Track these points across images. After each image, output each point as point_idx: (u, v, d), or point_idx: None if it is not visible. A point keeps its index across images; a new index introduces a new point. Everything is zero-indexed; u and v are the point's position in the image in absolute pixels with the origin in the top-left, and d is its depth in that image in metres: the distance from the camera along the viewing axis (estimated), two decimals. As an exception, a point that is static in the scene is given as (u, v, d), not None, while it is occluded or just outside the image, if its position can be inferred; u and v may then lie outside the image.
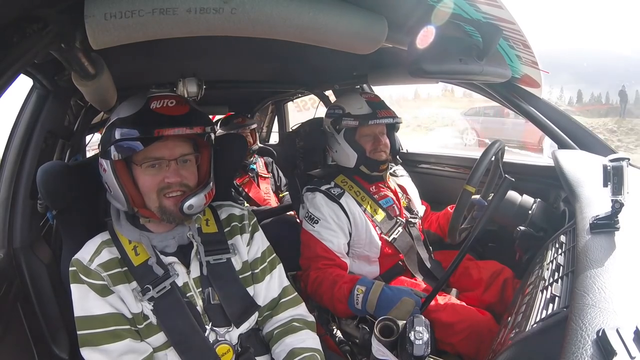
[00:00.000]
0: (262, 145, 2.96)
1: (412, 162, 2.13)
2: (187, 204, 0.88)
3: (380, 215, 1.49)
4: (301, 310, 1.07)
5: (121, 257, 0.92)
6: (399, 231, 1.50)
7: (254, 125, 2.74)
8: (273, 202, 2.68)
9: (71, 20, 0.71)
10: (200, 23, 0.76)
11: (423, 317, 0.89)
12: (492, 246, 1.70)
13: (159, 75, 1.77)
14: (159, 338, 0.90)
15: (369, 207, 1.48)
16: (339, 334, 1.34)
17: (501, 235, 1.56)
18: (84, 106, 1.60)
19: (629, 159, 0.73)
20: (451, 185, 1.95)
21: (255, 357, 0.98)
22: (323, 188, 1.48)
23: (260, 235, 1.09)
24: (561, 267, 0.80)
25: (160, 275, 0.91)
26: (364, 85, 2.02)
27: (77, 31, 0.74)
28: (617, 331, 0.46)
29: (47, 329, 1.17)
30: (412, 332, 0.86)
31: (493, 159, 1.26)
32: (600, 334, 0.47)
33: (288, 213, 2.29)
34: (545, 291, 0.76)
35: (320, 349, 1.01)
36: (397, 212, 1.54)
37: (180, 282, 0.93)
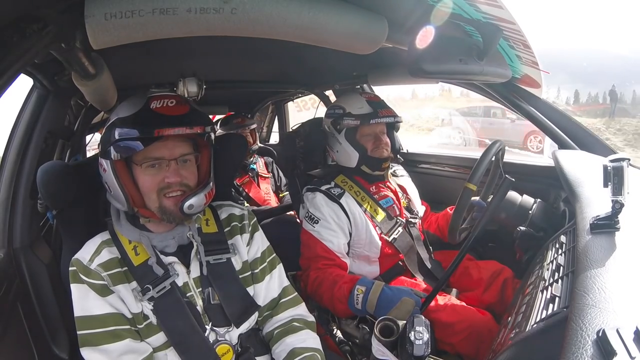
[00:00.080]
0: (262, 145, 2.96)
1: (412, 162, 2.13)
2: (187, 203, 0.88)
3: (381, 215, 1.49)
4: (301, 310, 1.07)
5: (121, 257, 0.92)
6: (399, 231, 1.50)
7: (254, 125, 2.74)
8: (273, 202, 2.68)
9: (71, 20, 0.71)
10: (200, 23, 0.76)
11: (423, 317, 0.89)
12: (492, 246, 1.70)
13: (159, 75, 1.77)
14: (159, 338, 0.90)
15: (369, 207, 1.48)
16: (339, 334, 1.34)
17: (501, 235, 1.56)
18: (84, 106, 1.60)
19: (629, 159, 0.73)
20: (451, 185, 1.95)
21: (255, 357, 0.98)
22: (323, 188, 1.48)
23: (260, 235, 1.09)
24: (561, 267, 0.80)
25: (160, 275, 0.91)
26: (364, 85, 2.02)
27: (77, 31, 0.74)
28: (617, 331, 0.46)
29: (47, 328, 1.17)
30: (412, 332, 0.86)
31: (493, 159, 1.26)
32: (600, 334, 0.47)
33: (288, 213, 2.29)
34: (545, 291, 0.76)
35: (321, 349, 1.01)
36: (397, 212, 1.55)
37: (180, 282, 0.93)
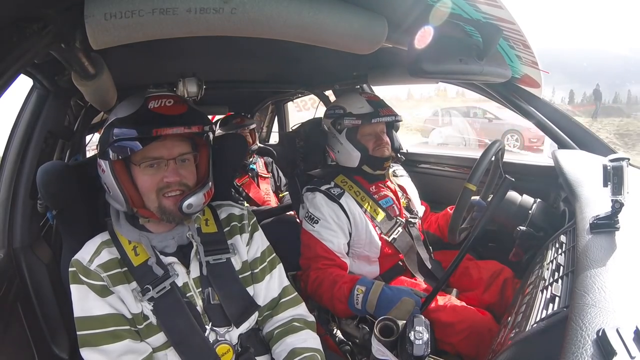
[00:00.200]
0: (262, 145, 2.95)
1: (412, 162, 2.13)
2: (186, 203, 0.88)
3: (380, 215, 1.49)
4: (301, 310, 1.07)
5: (121, 258, 0.92)
6: (398, 231, 1.50)
7: (253, 125, 2.73)
8: (273, 202, 2.68)
9: (71, 20, 0.71)
10: (200, 23, 0.76)
11: (423, 317, 0.89)
12: (492, 246, 1.70)
13: (159, 75, 1.77)
14: (159, 338, 0.90)
15: (368, 207, 1.48)
16: (339, 334, 1.34)
17: (501, 235, 1.56)
18: (84, 106, 1.60)
19: (629, 159, 0.73)
20: (451, 185, 1.95)
21: (256, 357, 0.98)
22: (323, 188, 1.48)
23: (259, 235, 1.09)
24: (561, 267, 0.80)
25: (160, 275, 0.91)
26: (364, 85, 2.02)
27: (77, 31, 0.74)
28: (617, 331, 0.46)
29: (47, 329, 1.17)
30: (412, 332, 0.86)
31: (493, 159, 1.26)
32: (600, 334, 0.47)
33: (288, 213, 2.29)
34: (545, 291, 0.76)
35: (321, 349, 1.01)
36: (397, 212, 1.55)
37: (180, 282, 0.93)
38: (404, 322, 0.94)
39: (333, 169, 1.60)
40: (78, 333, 0.87)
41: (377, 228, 1.47)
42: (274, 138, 3.80)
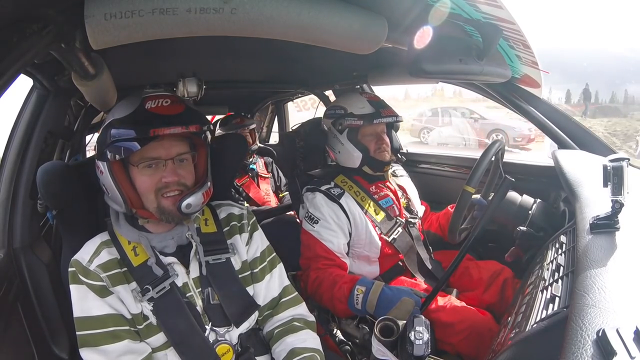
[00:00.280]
0: (262, 145, 2.96)
1: (412, 162, 2.13)
2: (185, 203, 0.88)
3: (380, 215, 1.49)
4: (302, 310, 1.07)
5: (120, 258, 0.92)
6: (398, 231, 1.50)
7: (253, 125, 2.73)
8: (273, 202, 2.68)
9: (71, 20, 0.71)
10: (200, 23, 0.76)
11: (423, 317, 0.89)
12: (492, 246, 1.70)
13: (159, 75, 1.77)
14: (159, 338, 0.90)
15: (368, 207, 1.48)
16: (339, 334, 1.34)
17: (501, 235, 1.56)
18: (84, 106, 1.60)
19: (628, 159, 0.73)
20: (451, 185, 1.95)
21: (256, 357, 0.98)
22: (323, 188, 1.48)
23: (259, 235, 1.09)
24: (561, 267, 0.80)
25: (160, 275, 0.91)
26: (364, 85, 2.02)
27: (77, 31, 0.74)
28: (617, 331, 0.46)
29: (47, 329, 1.17)
30: (412, 332, 0.86)
31: (493, 159, 1.26)
32: (600, 334, 0.47)
33: (288, 213, 2.29)
34: (545, 291, 0.76)
35: (321, 349, 1.01)
36: (397, 212, 1.55)
37: (179, 283, 0.93)
38: (404, 322, 0.94)
39: (333, 169, 1.60)
40: (77, 333, 0.87)
41: (377, 228, 1.47)
42: (274, 138, 3.80)
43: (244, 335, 0.98)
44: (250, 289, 1.01)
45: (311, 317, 1.08)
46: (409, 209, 1.60)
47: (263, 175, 2.76)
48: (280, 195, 2.78)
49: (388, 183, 1.60)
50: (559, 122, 1.42)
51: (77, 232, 1.03)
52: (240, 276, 1.00)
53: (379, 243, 1.46)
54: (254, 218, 1.10)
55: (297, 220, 1.77)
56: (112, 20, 0.70)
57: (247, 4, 0.77)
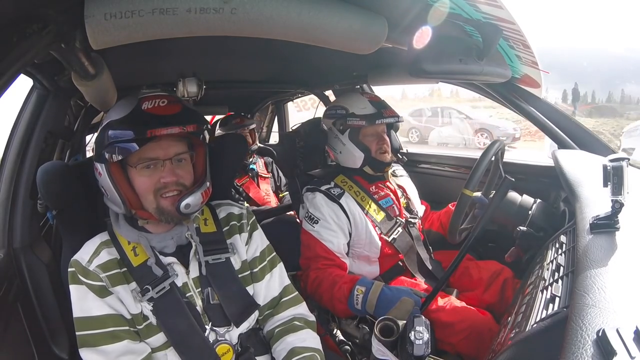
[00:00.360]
0: (262, 145, 2.95)
1: (412, 162, 2.13)
2: (183, 203, 0.88)
3: (380, 215, 1.49)
4: (302, 309, 1.07)
5: (120, 258, 0.92)
6: (398, 231, 1.50)
7: (253, 125, 2.73)
8: (273, 203, 2.68)
9: (71, 20, 0.71)
10: (200, 23, 0.76)
11: (423, 317, 0.89)
12: (492, 246, 1.70)
13: (159, 75, 1.77)
14: (159, 338, 0.90)
15: (368, 207, 1.48)
16: (339, 334, 1.34)
17: (501, 235, 1.56)
18: (84, 106, 1.60)
19: (628, 159, 0.73)
20: (451, 185, 1.95)
21: (256, 357, 0.98)
22: (323, 188, 1.48)
23: (259, 234, 1.09)
24: (561, 267, 0.80)
25: (160, 275, 0.91)
26: (364, 85, 2.02)
27: (77, 31, 0.74)
28: (617, 331, 0.46)
29: (47, 329, 1.17)
30: (412, 332, 0.86)
31: (493, 159, 1.26)
32: (600, 334, 0.47)
33: (288, 213, 2.29)
34: (545, 291, 0.76)
35: (321, 349, 1.01)
36: (397, 212, 1.55)
37: (179, 283, 0.93)
38: (404, 322, 0.94)
39: (333, 169, 1.60)
40: (77, 333, 0.87)
41: (377, 228, 1.47)
42: (274, 138, 3.80)
43: (244, 335, 0.98)
44: (250, 289, 1.01)
45: (311, 317, 1.08)
46: (408, 209, 1.60)
47: (263, 175, 2.76)
48: (280, 195, 2.78)
49: (388, 183, 1.60)
50: (558, 122, 1.42)
51: (77, 232, 1.03)
52: (240, 276, 1.00)
53: (379, 243, 1.46)
54: (254, 217, 1.10)
55: (297, 220, 1.77)
56: (112, 20, 0.70)
57: (247, 4, 0.77)
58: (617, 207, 0.71)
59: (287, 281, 1.09)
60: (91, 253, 0.91)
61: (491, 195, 1.32)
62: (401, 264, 1.50)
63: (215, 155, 1.03)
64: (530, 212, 1.28)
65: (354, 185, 1.51)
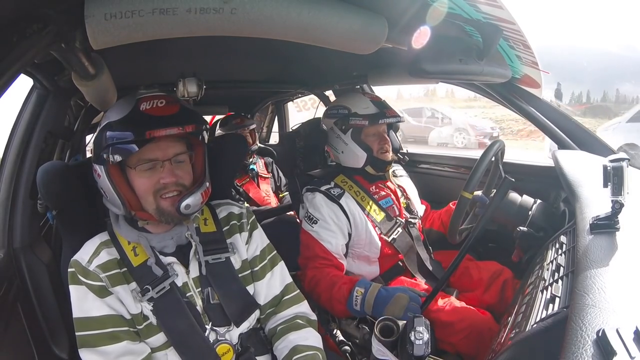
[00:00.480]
0: (262, 146, 2.95)
1: (412, 162, 2.13)
2: (184, 203, 0.88)
3: (380, 215, 1.49)
4: (304, 307, 1.07)
5: (120, 258, 0.92)
6: (398, 231, 1.50)
7: (253, 126, 2.73)
8: (273, 203, 2.68)
9: (71, 20, 0.71)
10: (200, 23, 0.76)
11: (423, 317, 0.89)
12: (492, 246, 1.70)
13: (159, 75, 1.77)
14: (159, 338, 0.90)
15: (368, 207, 1.49)
16: (339, 334, 1.34)
17: (501, 235, 1.56)
18: (84, 106, 1.60)
19: (628, 159, 0.73)
20: (451, 185, 1.95)
21: (256, 357, 0.98)
22: (323, 188, 1.48)
23: (259, 233, 1.09)
24: (561, 268, 0.80)
25: (160, 275, 0.91)
26: (364, 85, 2.02)
27: (77, 31, 0.74)
28: (617, 331, 0.46)
29: (47, 329, 1.17)
30: (412, 332, 0.86)
31: (493, 159, 1.26)
32: (600, 334, 0.47)
33: (288, 213, 2.29)
34: (545, 291, 0.76)
35: (322, 348, 1.01)
36: (397, 213, 1.55)
37: (179, 282, 0.93)
38: (404, 322, 0.94)
39: (333, 169, 1.60)
40: (77, 334, 0.87)
41: (377, 228, 1.48)
42: (274, 138, 3.80)
43: (244, 335, 0.98)
44: (250, 288, 1.01)
45: (313, 316, 1.08)
46: (408, 209, 1.60)
47: (263, 175, 2.76)
48: (280, 195, 2.78)
49: (388, 183, 1.60)
50: (558, 122, 1.42)
51: (77, 232, 1.03)
52: (240, 275, 1.00)
53: (379, 243, 1.46)
54: (253, 216, 1.10)
55: (297, 220, 1.77)
56: (112, 20, 0.70)
57: (247, 4, 0.77)
58: (617, 207, 0.71)
59: (289, 279, 1.09)
60: (91, 253, 0.91)
61: (491, 195, 1.32)
62: (401, 264, 1.50)
63: (215, 155, 1.03)
64: (530, 212, 1.28)
65: (354, 185, 1.51)
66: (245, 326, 0.98)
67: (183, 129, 0.85)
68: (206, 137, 0.95)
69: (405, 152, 2.16)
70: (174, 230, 0.96)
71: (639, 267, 0.63)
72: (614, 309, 0.52)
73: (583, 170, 1.09)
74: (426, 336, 0.86)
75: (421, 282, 1.44)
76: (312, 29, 0.88)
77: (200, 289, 0.95)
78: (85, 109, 1.62)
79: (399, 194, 1.61)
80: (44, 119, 1.25)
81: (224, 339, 0.94)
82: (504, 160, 1.33)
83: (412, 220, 1.56)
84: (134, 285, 0.90)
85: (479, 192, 1.35)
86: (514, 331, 0.78)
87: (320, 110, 2.34)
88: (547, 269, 0.87)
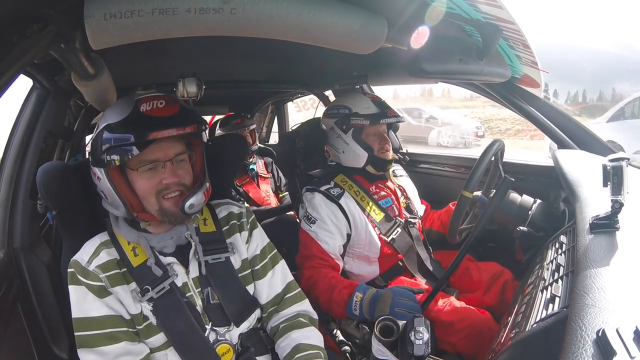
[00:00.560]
0: (262, 146, 2.95)
1: (412, 162, 2.13)
2: (188, 203, 0.88)
3: (379, 215, 1.49)
4: (306, 306, 1.07)
5: (120, 258, 0.92)
6: (397, 231, 1.50)
7: (253, 126, 2.73)
8: (273, 203, 2.67)
9: (71, 20, 0.70)
10: (200, 23, 0.76)
11: (423, 317, 0.90)
12: (492, 246, 1.70)
13: (159, 75, 1.77)
14: (159, 338, 0.90)
15: (368, 207, 1.49)
16: (339, 334, 1.34)
17: (501, 235, 1.56)
18: (84, 106, 1.60)
19: (628, 159, 0.73)
20: (451, 185, 1.95)
21: (256, 357, 0.98)
22: (322, 188, 1.48)
23: (259, 232, 1.09)
24: (561, 267, 0.80)
25: (159, 275, 0.91)
26: (364, 85, 2.02)
27: (77, 31, 0.74)
28: (617, 331, 0.46)
29: (47, 329, 1.17)
30: (412, 332, 0.86)
31: (492, 159, 1.26)
32: (600, 334, 0.47)
33: (288, 213, 2.29)
34: (545, 291, 0.76)
35: (324, 347, 1.01)
36: (397, 213, 1.55)
37: (179, 283, 0.93)
38: (404, 322, 0.94)
39: (333, 169, 1.60)
40: (75, 334, 0.87)
41: (376, 228, 1.48)
42: (274, 138, 3.80)
43: (244, 335, 0.98)
44: (250, 287, 1.01)
45: (315, 314, 1.08)
46: (408, 209, 1.60)
47: (263, 175, 2.76)
48: (280, 195, 2.78)
49: (388, 183, 1.60)
50: (558, 122, 1.42)
51: (77, 232, 1.03)
52: (240, 275, 1.00)
53: (379, 243, 1.46)
54: (253, 216, 1.10)
55: (297, 220, 1.77)
56: (112, 21, 0.70)
57: (247, 4, 0.77)
58: (616, 207, 0.71)
59: (290, 278, 1.09)
60: (91, 253, 0.91)
61: (491, 195, 1.32)
62: (401, 264, 1.50)
63: (214, 155, 1.03)
64: (530, 212, 1.28)
65: (354, 184, 1.51)
66: (245, 326, 0.98)
67: (185, 129, 0.85)
68: (206, 137, 0.95)
69: (406, 152, 2.17)
70: (174, 230, 0.96)
71: (639, 267, 0.63)
72: (614, 309, 0.52)
73: (583, 170, 1.09)
74: (426, 336, 0.86)
75: (421, 282, 1.44)
76: (312, 29, 0.88)
77: (200, 289, 0.95)
78: (85, 109, 1.62)
79: (399, 193, 1.61)
80: (44, 119, 1.25)
81: (224, 339, 0.94)
82: (503, 160, 1.33)
83: (412, 220, 1.56)
84: (133, 285, 0.90)
85: (478, 193, 1.35)
86: (514, 331, 0.78)
87: (320, 110, 2.34)
88: (547, 269, 0.87)
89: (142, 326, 0.89)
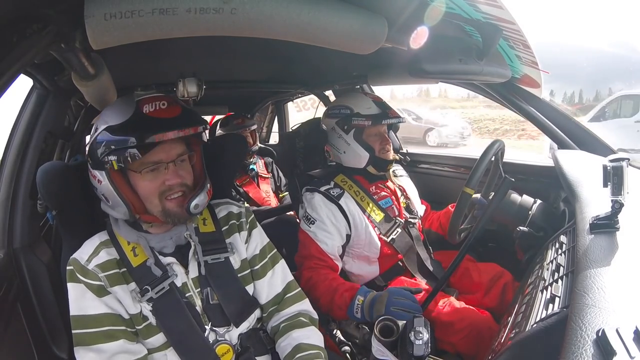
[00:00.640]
0: (262, 146, 2.95)
1: (412, 162, 2.13)
2: (193, 203, 0.88)
3: (379, 215, 1.49)
4: (306, 305, 1.07)
5: (120, 258, 0.92)
6: (397, 232, 1.50)
7: (254, 126, 2.73)
8: (273, 203, 2.67)
9: (71, 20, 0.70)
10: (200, 23, 0.76)
11: (423, 317, 0.90)
12: (492, 246, 1.70)
13: (159, 75, 1.77)
14: (159, 338, 0.90)
15: (368, 207, 1.49)
16: (338, 334, 1.34)
17: (501, 235, 1.56)
18: (84, 106, 1.60)
19: (628, 159, 0.73)
20: (451, 185, 1.95)
21: (256, 357, 0.98)
22: (322, 189, 1.48)
23: (258, 232, 1.09)
24: (561, 267, 0.80)
25: (159, 276, 0.91)
26: (364, 85, 2.02)
27: (77, 31, 0.74)
28: (617, 331, 0.46)
29: (47, 329, 1.17)
30: (412, 332, 0.86)
31: (493, 159, 1.26)
32: (600, 334, 0.47)
33: (288, 213, 2.29)
34: (545, 291, 0.76)
35: (324, 347, 1.01)
36: (397, 213, 1.55)
37: (179, 283, 0.93)
38: (404, 322, 0.94)
39: (333, 169, 1.60)
40: (73, 332, 0.86)
41: (376, 229, 1.48)
42: (274, 138, 3.80)
43: (244, 335, 0.98)
44: (250, 287, 1.01)
45: (315, 314, 1.08)
46: (408, 209, 1.60)
47: (263, 175, 2.76)
48: (280, 195, 2.78)
49: (388, 183, 1.60)
50: (558, 122, 1.42)
51: (77, 232, 1.03)
52: (239, 275, 1.00)
53: (378, 243, 1.46)
54: (252, 215, 1.10)
55: (297, 220, 1.77)
56: (112, 20, 0.70)
57: (247, 4, 0.77)
58: (617, 207, 0.71)
59: (290, 277, 1.09)
60: (90, 253, 0.91)
61: (491, 196, 1.32)
62: (401, 264, 1.50)
63: (215, 156, 1.03)
64: (530, 212, 1.28)
65: (354, 185, 1.51)
66: (244, 326, 0.98)
67: (189, 131, 0.85)
68: (206, 137, 0.95)
69: (406, 152, 2.17)
70: (173, 231, 0.96)
71: (639, 267, 0.63)
72: (613, 309, 0.52)
73: (583, 170, 1.09)
74: (426, 336, 0.86)
75: (421, 282, 1.44)
76: (312, 29, 0.88)
77: (199, 289, 0.95)
78: (85, 109, 1.62)
79: (399, 194, 1.61)
80: (44, 119, 1.25)
81: (223, 339, 0.94)
82: (503, 160, 1.33)
83: (412, 220, 1.56)
84: (133, 285, 0.90)
85: (477, 195, 1.35)
86: (514, 331, 0.78)
87: (320, 110, 2.34)
88: (547, 269, 0.87)
89: (141, 326, 0.89)
